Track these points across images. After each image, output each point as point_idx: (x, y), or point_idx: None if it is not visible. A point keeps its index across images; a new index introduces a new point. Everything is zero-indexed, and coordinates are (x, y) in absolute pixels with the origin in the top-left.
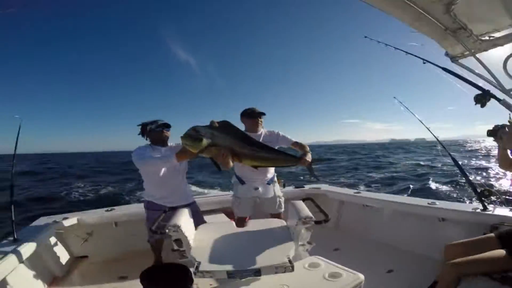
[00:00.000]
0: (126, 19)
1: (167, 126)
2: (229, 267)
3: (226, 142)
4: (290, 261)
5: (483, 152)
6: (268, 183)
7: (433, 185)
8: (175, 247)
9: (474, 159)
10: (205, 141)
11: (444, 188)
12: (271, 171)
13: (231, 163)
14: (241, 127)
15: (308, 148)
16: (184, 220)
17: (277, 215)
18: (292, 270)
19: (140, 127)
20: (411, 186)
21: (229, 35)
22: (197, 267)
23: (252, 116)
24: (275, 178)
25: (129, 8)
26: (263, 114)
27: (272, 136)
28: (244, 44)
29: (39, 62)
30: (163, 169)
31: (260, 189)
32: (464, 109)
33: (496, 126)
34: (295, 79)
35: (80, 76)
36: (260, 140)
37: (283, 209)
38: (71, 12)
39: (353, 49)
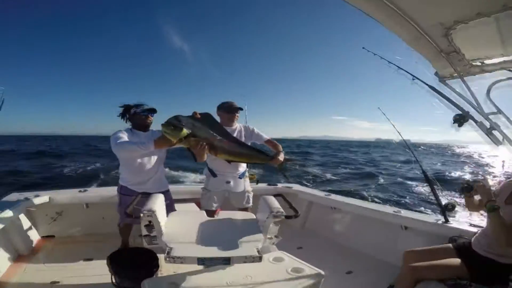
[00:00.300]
0: (122, 3)
1: (153, 111)
2: (200, 254)
3: (205, 134)
4: (258, 252)
5: (463, 158)
6: (240, 177)
7: (401, 186)
8: (145, 233)
9: (449, 164)
10: (185, 131)
11: (413, 192)
12: (243, 166)
13: (206, 156)
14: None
15: (281, 148)
16: (159, 206)
17: (244, 209)
18: (260, 260)
19: (122, 108)
20: (381, 180)
21: (225, 26)
22: (168, 252)
23: (230, 110)
24: (247, 173)
25: None
26: (241, 109)
27: (247, 131)
28: (239, 35)
29: (29, 46)
30: (140, 156)
31: (231, 183)
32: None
33: (468, 183)
34: (287, 72)
35: (70, 59)
36: (235, 134)
37: (250, 204)
38: None
39: (348, 47)
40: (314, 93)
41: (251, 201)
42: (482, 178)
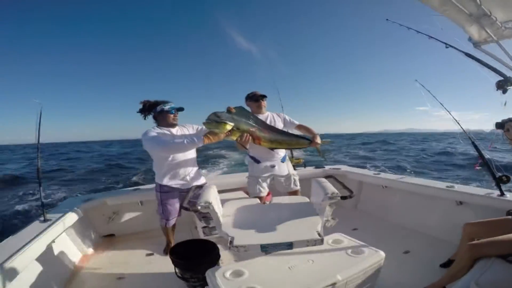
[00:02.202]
0: (181, 7)
1: (181, 109)
2: (262, 241)
3: (246, 126)
4: (319, 235)
5: None
6: (282, 161)
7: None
8: (204, 224)
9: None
10: (229, 125)
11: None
12: (283, 150)
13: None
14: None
15: (314, 130)
16: (214, 197)
17: (294, 193)
18: (322, 243)
19: (142, 104)
20: None
21: (291, 21)
22: (231, 242)
23: (255, 99)
24: (287, 157)
25: None
26: (265, 96)
27: (279, 117)
28: (309, 29)
29: (82, 46)
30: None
31: (276, 167)
32: None
33: (504, 120)
34: (362, 66)
35: (136, 64)
36: (267, 122)
37: (298, 187)
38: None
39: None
40: (395, 85)
41: (298, 184)
42: None
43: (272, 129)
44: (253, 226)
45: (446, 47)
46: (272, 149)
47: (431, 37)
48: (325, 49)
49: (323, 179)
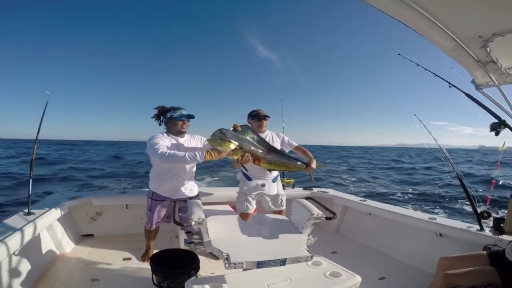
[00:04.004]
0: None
1: (190, 117)
2: (258, 258)
3: (250, 146)
4: (309, 252)
5: None
6: (273, 181)
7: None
8: (191, 239)
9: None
10: (233, 144)
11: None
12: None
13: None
14: None
15: (310, 154)
16: (203, 212)
17: (279, 212)
18: (312, 259)
19: (156, 110)
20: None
21: (311, 30)
22: (227, 259)
23: (258, 118)
24: (279, 177)
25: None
26: (268, 116)
27: (278, 137)
28: (329, 38)
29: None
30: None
31: (266, 186)
32: None
33: (496, 220)
34: (382, 75)
35: (153, 70)
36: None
37: (284, 207)
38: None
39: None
40: (411, 98)
41: (284, 204)
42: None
43: (274, 150)
44: (244, 243)
45: (450, 87)
46: (270, 170)
47: (436, 75)
48: (346, 58)
49: (304, 200)
